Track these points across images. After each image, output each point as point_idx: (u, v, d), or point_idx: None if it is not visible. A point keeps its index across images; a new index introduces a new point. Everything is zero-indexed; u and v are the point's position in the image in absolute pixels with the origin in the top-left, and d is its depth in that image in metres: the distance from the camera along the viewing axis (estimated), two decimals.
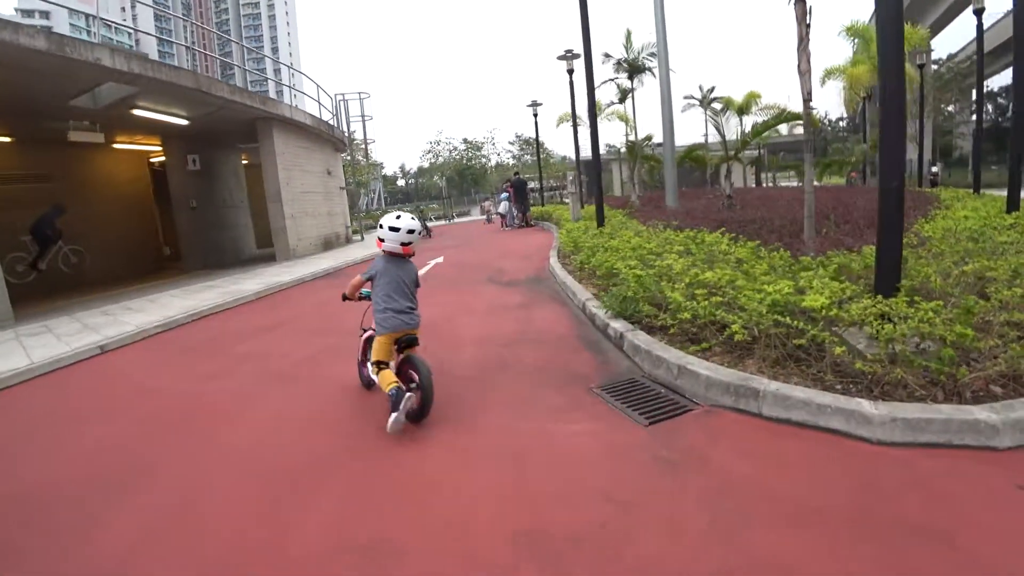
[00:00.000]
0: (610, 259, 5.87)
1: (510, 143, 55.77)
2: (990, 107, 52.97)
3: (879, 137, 4.22)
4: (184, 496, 2.77)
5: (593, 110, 9.27)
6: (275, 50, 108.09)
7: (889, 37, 3.97)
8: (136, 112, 11.56)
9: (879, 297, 3.74)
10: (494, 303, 6.63)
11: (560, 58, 15.39)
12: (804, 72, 6.97)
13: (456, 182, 51.61)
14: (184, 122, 13.07)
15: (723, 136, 10.11)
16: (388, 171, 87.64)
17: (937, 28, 40.20)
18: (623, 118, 20.35)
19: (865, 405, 2.99)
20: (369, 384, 3.86)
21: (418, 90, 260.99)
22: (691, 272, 4.68)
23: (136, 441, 3.56)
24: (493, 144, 55.38)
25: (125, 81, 9.41)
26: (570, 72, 15.45)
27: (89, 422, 3.96)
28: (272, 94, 14.38)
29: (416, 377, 3.28)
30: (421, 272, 4.71)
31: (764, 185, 33.44)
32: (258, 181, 17.95)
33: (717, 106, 31.14)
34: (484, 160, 55.68)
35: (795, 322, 3.61)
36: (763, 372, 3.66)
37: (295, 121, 14.70)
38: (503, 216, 19.35)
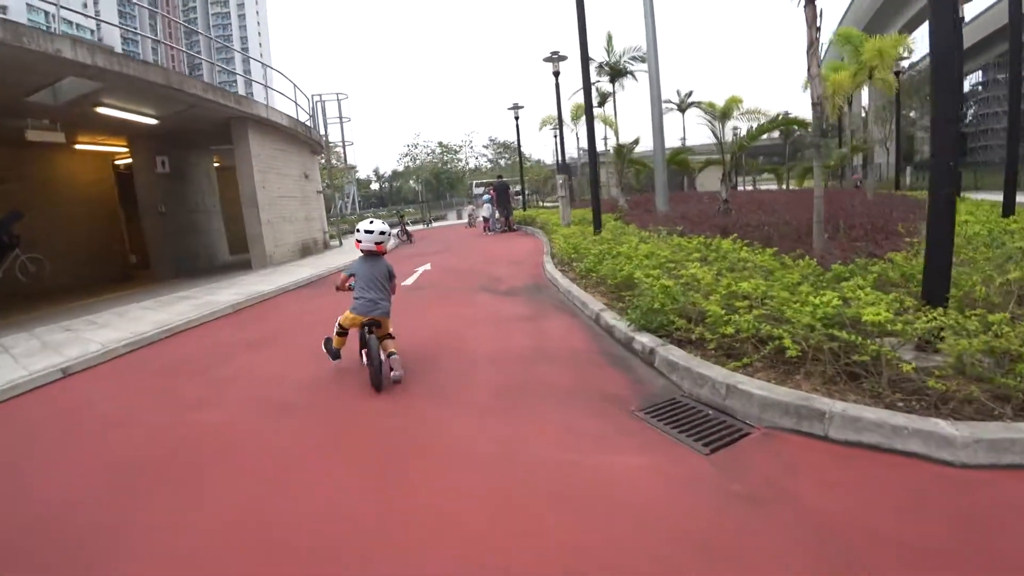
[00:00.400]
0: (625, 267, 5.53)
1: (484, 147, 55.41)
2: None
3: (931, 143, 4.00)
4: None
5: (590, 111, 8.96)
6: (245, 49, 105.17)
7: (942, 41, 3.71)
8: (101, 110, 10.83)
9: (940, 310, 3.48)
10: (498, 314, 6.21)
11: (546, 60, 15.09)
12: (815, 76, 6.79)
13: (433, 186, 50.97)
14: (153, 121, 12.32)
15: (719, 140, 9.94)
16: (361, 174, 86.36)
17: (906, 31, 41.45)
18: (607, 121, 20.21)
19: (943, 426, 2.76)
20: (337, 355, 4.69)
21: (394, 92, 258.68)
22: (723, 282, 4.37)
23: (99, 501, 2.80)
24: (471, 147, 54.92)
25: (88, 76, 8.71)
26: (556, 74, 15.16)
27: (42, 471, 3.24)
28: (243, 93, 13.70)
29: (367, 357, 4.15)
30: (410, 280, 7.07)
31: (740, 189, 33.81)
32: (231, 185, 17.18)
33: (697, 111, 31.32)
34: (460, 163, 55.21)
35: (852, 337, 3.35)
36: (817, 390, 3.39)
37: (271, 122, 14.05)
38: (486, 220, 18.94)
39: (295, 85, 15.73)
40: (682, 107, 37.62)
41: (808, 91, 7.61)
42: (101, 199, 15.81)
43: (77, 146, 14.28)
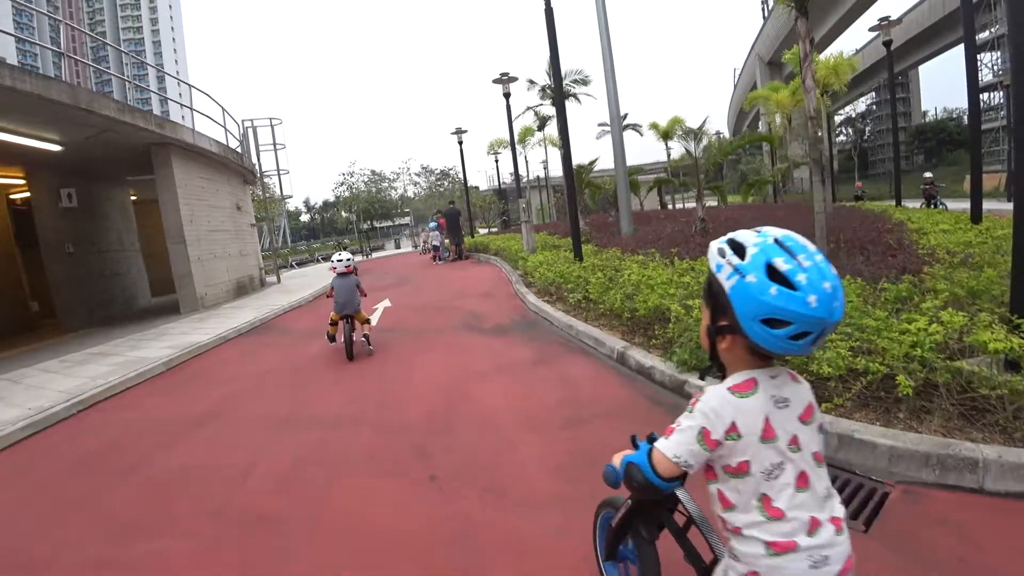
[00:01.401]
0: (650, 297, 4.85)
1: (416, 174, 54.41)
2: (849, 130, 60.62)
3: (1015, 157, 3.59)
4: None
5: (565, 132, 8.39)
6: (157, 44, 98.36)
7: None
8: None
9: None
10: (501, 360, 5.31)
11: (496, 81, 14.61)
12: (809, 89, 6.51)
13: (370, 214, 49.21)
14: (55, 147, 10.67)
15: (696, 159, 9.66)
16: (291, 205, 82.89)
17: (835, 33, 44.10)
18: (555, 143, 19.98)
19: None
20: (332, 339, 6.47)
21: (325, 121, 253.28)
22: None
23: None
24: (409, 174, 53.71)
25: None
26: (507, 96, 14.69)
27: None
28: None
29: (341, 335, 6.23)
30: (373, 320, 7.39)
31: (669, 207, 34.66)
32: (151, 220, 15.44)
33: (632, 132, 31.88)
34: (394, 192, 53.84)
35: (979, 370, 2.84)
36: (939, 432, 2.86)
37: (199, 148, 12.63)
38: (435, 249, 17.99)
39: (223, 109, 14.35)
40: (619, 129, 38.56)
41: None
42: None
43: None
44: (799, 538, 1.08)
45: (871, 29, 13.38)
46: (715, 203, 27.98)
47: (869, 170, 54.45)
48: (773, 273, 1.02)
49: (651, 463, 1.23)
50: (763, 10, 61.61)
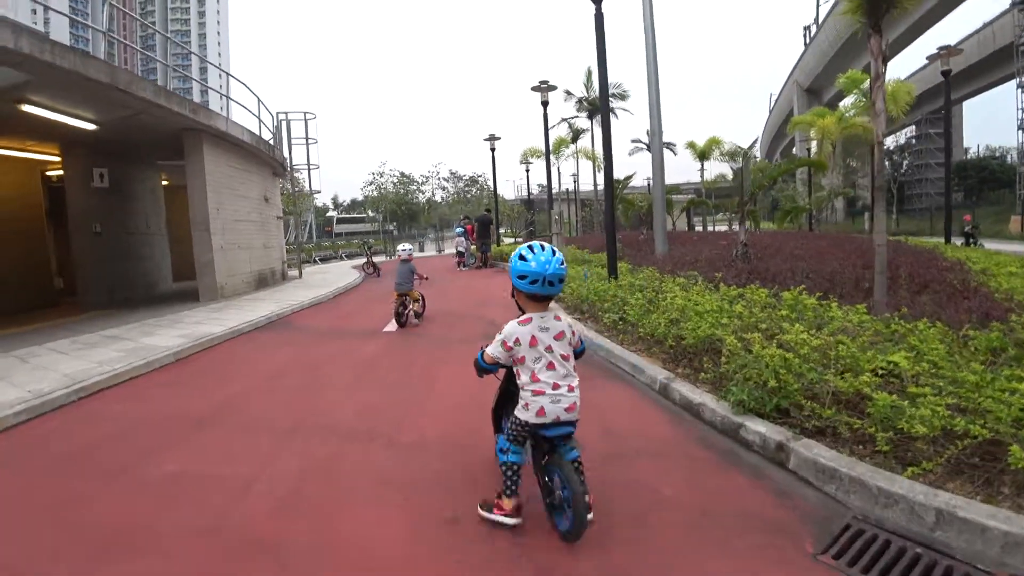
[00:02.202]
0: (701, 326, 4.42)
1: (444, 179, 54.33)
2: (886, 164, 59.34)
3: None
4: None
5: (609, 143, 7.99)
6: (202, 37, 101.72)
7: None
8: (27, 108, 9.17)
9: None
10: None
11: (535, 89, 14.32)
12: (880, 112, 6.04)
13: (397, 215, 49.39)
14: (91, 126, 10.65)
15: (743, 179, 9.18)
16: (319, 201, 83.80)
17: (842, 94, 43.77)
18: (590, 156, 19.64)
19: None
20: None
21: (359, 118, 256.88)
22: (866, 355, 3.32)
23: None
24: (438, 178, 53.72)
25: (11, 64, 7.16)
26: (544, 105, 14.39)
27: None
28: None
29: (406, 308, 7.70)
30: (391, 326, 7.60)
31: (698, 229, 33.92)
32: (179, 206, 15.41)
33: (675, 150, 31.26)
34: (422, 195, 53.88)
35: None
36: None
37: (231, 136, 12.54)
38: (460, 255, 17.71)
39: (259, 100, 14.30)
40: (651, 147, 38.07)
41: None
42: (24, 214, 13.68)
43: None
44: (547, 390, 2.36)
45: (929, 57, 12.84)
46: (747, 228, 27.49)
47: (906, 204, 53.12)
48: (521, 258, 2.46)
49: (483, 358, 2.67)
50: (805, 37, 60.85)
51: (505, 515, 2.46)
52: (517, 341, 2.40)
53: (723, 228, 36.99)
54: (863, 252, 9.00)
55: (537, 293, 2.40)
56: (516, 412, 2.45)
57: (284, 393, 4.91)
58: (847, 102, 16.69)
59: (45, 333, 8.07)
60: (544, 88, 14.31)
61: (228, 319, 8.80)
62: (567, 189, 39.62)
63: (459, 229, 17.95)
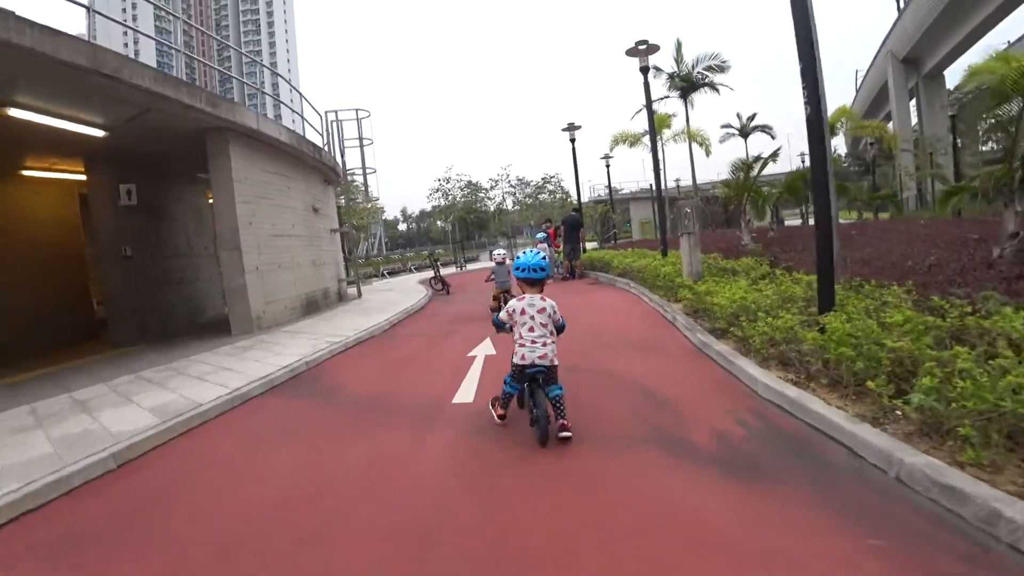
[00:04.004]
0: None
1: (512, 186, 51.59)
2: (1001, 135, 50.68)
3: None
4: None
5: (818, 106, 4.82)
6: (274, 64, 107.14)
7: None
8: (15, 113, 7.42)
9: None
10: None
11: (630, 53, 11.22)
12: None
13: (465, 224, 47.30)
14: (99, 132, 8.81)
15: (1017, 130, 5.76)
16: (389, 215, 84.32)
17: (950, 59, 37.89)
18: (699, 139, 16.26)
19: None
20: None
21: (424, 130, 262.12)
22: None
23: None
24: (508, 182, 51.14)
25: None
26: (644, 71, 11.23)
27: None
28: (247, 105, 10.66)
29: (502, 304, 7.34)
30: (472, 393, 4.93)
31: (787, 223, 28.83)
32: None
33: (763, 135, 27.06)
34: (488, 203, 51.48)
35: None
36: None
37: (265, 135, 10.37)
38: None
39: (301, 95, 12.14)
40: (744, 132, 33.58)
41: None
42: (60, 238, 12.36)
43: (25, 172, 11.00)
44: (527, 343, 3.57)
45: None
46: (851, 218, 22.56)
47: None
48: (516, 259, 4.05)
49: (498, 319, 3.89)
50: (898, 2, 53.21)
51: (496, 415, 3.86)
52: (514, 311, 3.66)
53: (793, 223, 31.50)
54: None
55: (527, 278, 3.74)
56: (512, 359, 3.66)
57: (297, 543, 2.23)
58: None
59: (57, 379, 6.06)
60: (643, 50, 11.18)
61: (244, 369, 6.40)
62: (649, 185, 35.89)
63: (540, 235, 15.01)
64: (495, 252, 9.07)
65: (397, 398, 4.91)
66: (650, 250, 14.71)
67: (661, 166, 21.56)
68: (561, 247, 14.95)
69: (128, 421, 4.63)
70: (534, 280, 3.73)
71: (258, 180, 10.50)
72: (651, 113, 11.19)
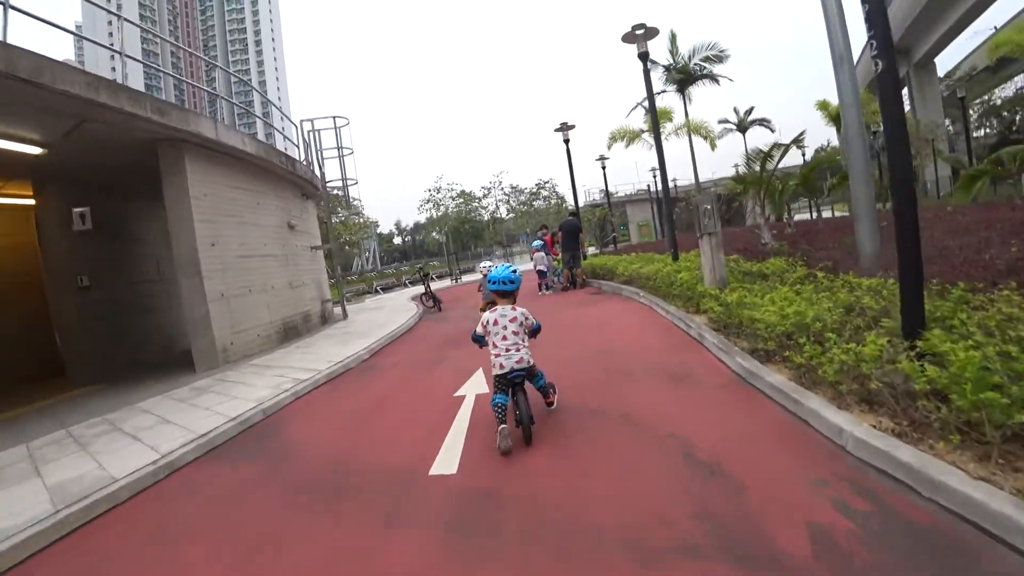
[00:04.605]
0: None
1: (505, 193, 50.78)
2: (993, 121, 49.50)
3: None
4: None
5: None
6: (263, 83, 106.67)
7: None
8: None
9: None
10: None
11: (626, 39, 10.23)
12: None
13: (459, 235, 46.40)
14: (33, 149, 7.81)
15: None
16: (384, 228, 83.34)
17: (940, 47, 37.59)
18: (703, 132, 15.25)
19: None
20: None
21: (415, 135, 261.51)
22: None
23: None
24: (501, 189, 50.31)
25: None
26: (643, 57, 10.23)
27: None
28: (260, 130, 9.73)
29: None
30: (444, 463, 3.71)
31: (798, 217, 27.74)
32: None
33: (762, 128, 26.14)
34: (482, 212, 50.62)
35: None
36: None
37: (227, 146, 9.33)
38: (542, 275, 13.71)
39: (270, 102, 11.09)
40: (742, 126, 32.63)
41: None
42: (20, 267, 11.37)
43: None
44: (502, 352, 3.79)
45: None
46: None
47: None
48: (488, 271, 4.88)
49: (476, 334, 4.11)
50: None
51: (499, 432, 3.62)
52: (488, 323, 3.91)
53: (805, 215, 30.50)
54: None
55: (499, 291, 4.03)
56: (492, 372, 3.84)
57: None
58: None
59: None
60: (642, 35, 10.18)
61: (189, 421, 5.31)
62: (647, 187, 34.91)
63: (537, 243, 13.94)
64: (481, 265, 9.13)
65: (361, 466, 3.81)
66: (656, 254, 13.67)
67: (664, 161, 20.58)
68: (560, 255, 13.88)
69: (12, 512, 3.54)
70: (505, 292, 4.04)
71: (222, 196, 9.45)
72: (653, 102, 10.15)
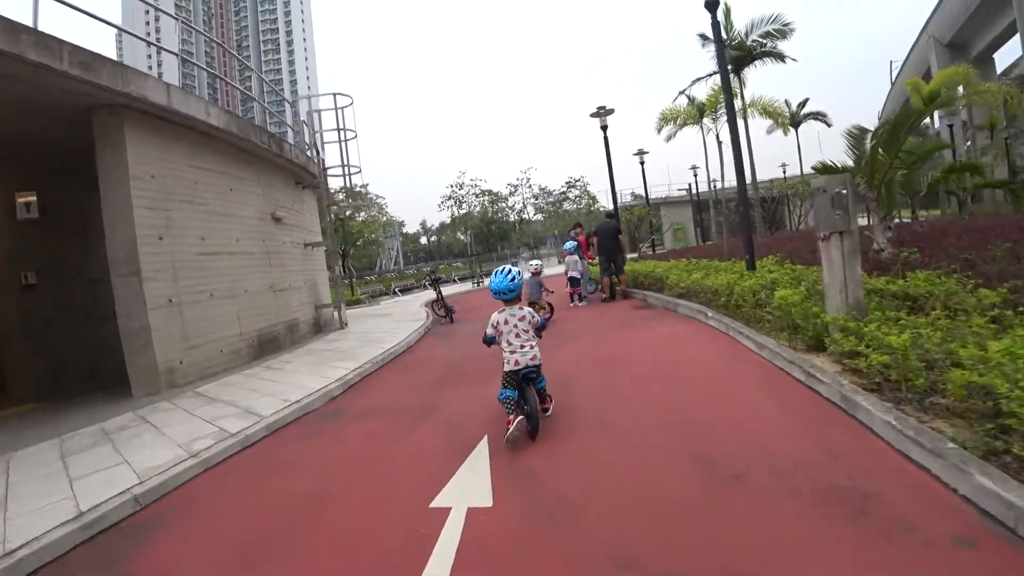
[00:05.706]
0: None
1: (534, 196, 48.59)
2: None
3: None
4: None
5: None
6: (292, 73, 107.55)
7: None
8: None
9: None
10: None
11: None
12: None
13: (484, 235, 44.42)
14: None
15: None
16: (410, 228, 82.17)
17: (998, 43, 36.61)
18: (772, 112, 12.93)
19: None
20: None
21: (443, 132, 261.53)
22: None
23: None
24: (529, 187, 48.15)
25: None
26: (712, 6, 8.02)
27: None
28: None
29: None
30: None
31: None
32: None
33: (817, 123, 23.32)
34: (508, 211, 48.52)
35: None
36: None
37: (183, 116, 7.48)
38: (574, 283, 11.51)
39: (256, 72, 9.22)
40: (795, 120, 29.68)
41: None
42: None
43: None
44: (516, 350, 3.90)
45: None
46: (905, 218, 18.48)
47: None
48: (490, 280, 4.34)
49: (487, 336, 4.16)
50: None
51: (511, 424, 3.66)
52: (498, 324, 4.00)
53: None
54: None
55: (500, 299, 4.09)
56: (504, 367, 3.91)
57: None
58: None
59: None
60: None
61: (65, 487, 3.42)
62: (688, 186, 32.36)
63: (569, 244, 11.69)
64: (532, 262, 9.33)
65: None
66: (708, 260, 11.41)
67: (722, 149, 18.11)
68: (596, 259, 11.69)
69: None
70: (508, 300, 4.10)
71: (180, 178, 7.61)
72: (723, 64, 7.95)
